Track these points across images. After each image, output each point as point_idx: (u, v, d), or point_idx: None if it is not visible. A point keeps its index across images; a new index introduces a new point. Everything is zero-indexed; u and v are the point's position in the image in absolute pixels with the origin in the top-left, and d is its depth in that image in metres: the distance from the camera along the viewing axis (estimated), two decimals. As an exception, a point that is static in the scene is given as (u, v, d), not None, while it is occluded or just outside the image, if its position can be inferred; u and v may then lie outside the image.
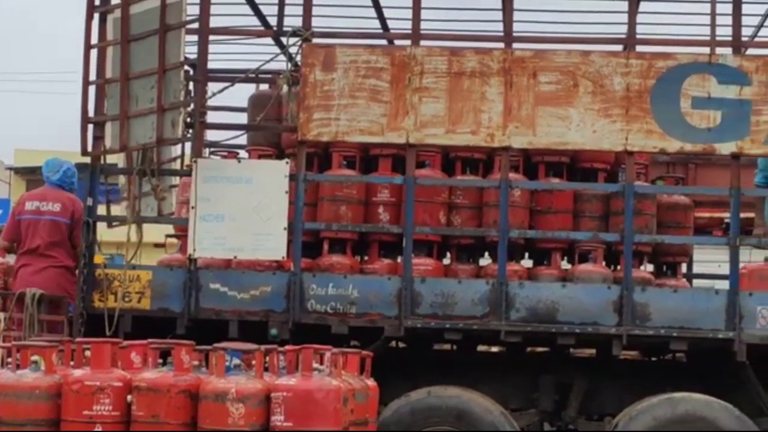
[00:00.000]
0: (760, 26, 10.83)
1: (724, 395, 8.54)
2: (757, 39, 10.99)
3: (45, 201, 9.57)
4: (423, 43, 9.08)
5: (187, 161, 10.21)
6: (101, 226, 9.27)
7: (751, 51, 9.83)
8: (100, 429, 6.63)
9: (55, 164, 9.78)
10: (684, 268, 10.48)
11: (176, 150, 10.66)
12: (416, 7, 9.05)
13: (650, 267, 9.88)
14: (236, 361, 6.82)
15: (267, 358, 6.95)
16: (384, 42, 10.24)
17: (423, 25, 9.19)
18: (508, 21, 9.15)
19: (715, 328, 8.59)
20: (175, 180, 10.43)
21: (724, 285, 8.90)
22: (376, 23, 11.27)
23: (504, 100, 8.77)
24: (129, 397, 6.69)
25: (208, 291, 8.78)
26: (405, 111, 8.81)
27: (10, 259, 9.99)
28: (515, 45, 9.07)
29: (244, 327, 8.68)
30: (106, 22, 9.14)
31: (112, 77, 9.04)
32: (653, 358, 9.98)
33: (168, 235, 11.13)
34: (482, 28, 11.10)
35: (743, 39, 9.42)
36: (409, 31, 9.17)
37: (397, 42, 9.95)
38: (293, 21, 9.74)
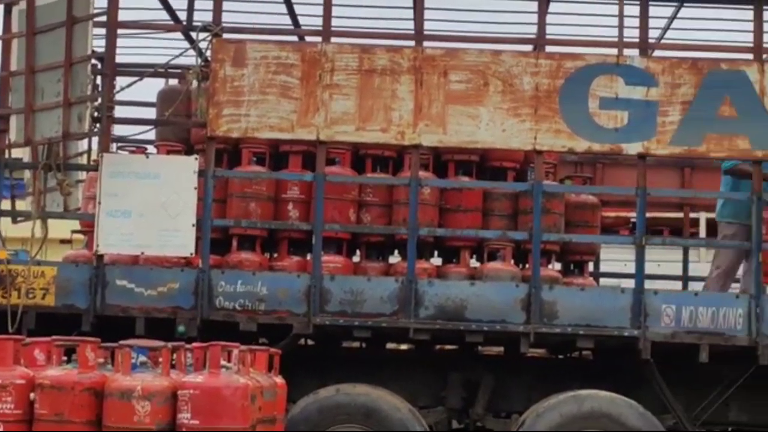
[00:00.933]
0: (667, 28, 11.02)
1: (629, 392, 8.67)
2: (663, 41, 11.17)
3: None
4: (334, 40, 9.08)
5: (94, 156, 10.08)
6: (5, 222, 9.14)
7: (658, 53, 10.00)
8: (1, 428, 6.53)
9: None
10: (591, 266, 10.63)
11: (83, 145, 10.47)
12: (327, 4, 9.05)
13: (558, 266, 9.97)
14: (142, 358, 6.79)
15: (174, 356, 6.90)
16: (295, 38, 10.24)
17: (334, 22, 9.20)
18: (419, 19, 9.19)
19: (621, 326, 8.72)
20: (82, 175, 10.28)
21: (630, 284, 9.01)
22: (288, 19, 11.24)
23: (414, 98, 8.81)
24: (32, 395, 6.62)
25: (115, 287, 8.69)
26: (315, 108, 8.80)
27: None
28: (426, 43, 9.11)
29: (151, 324, 8.61)
30: (11, 14, 9.01)
31: (17, 70, 8.93)
32: (560, 356, 10.10)
33: (74, 231, 10.98)
34: (394, 26, 11.13)
35: (650, 41, 9.54)
36: (320, 28, 9.17)
37: (308, 39, 9.96)
38: (203, 16, 9.65)
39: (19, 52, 8.93)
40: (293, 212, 9.37)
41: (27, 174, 10.12)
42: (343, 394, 8.53)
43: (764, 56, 9.18)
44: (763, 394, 9.18)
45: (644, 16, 9.17)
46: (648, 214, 9.28)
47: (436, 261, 9.78)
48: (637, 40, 9.21)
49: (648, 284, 8.95)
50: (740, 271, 10.07)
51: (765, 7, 9.16)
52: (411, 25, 9.49)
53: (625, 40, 9.22)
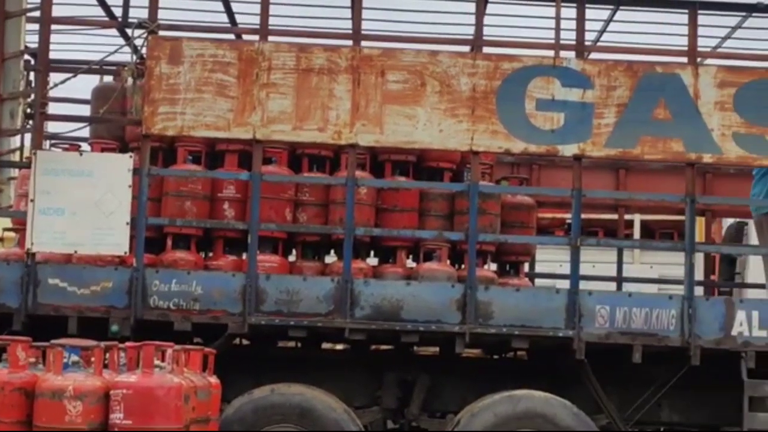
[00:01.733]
0: (603, 31, 11.09)
1: (563, 392, 8.75)
2: (599, 44, 11.26)
3: None
4: (271, 38, 9.08)
5: (26, 153, 9.97)
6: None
7: (594, 55, 10.09)
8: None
9: None
10: (527, 267, 10.70)
11: (15, 141, 10.38)
12: (264, 3, 9.05)
13: (494, 266, 10.02)
14: (75, 358, 6.75)
15: (107, 355, 6.89)
16: (232, 36, 10.20)
17: (272, 20, 9.22)
18: (357, 19, 9.19)
19: (556, 326, 8.78)
20: (14, 172, 10.18)
21: (565, 284, 9.10)
22: (225, 17, 11.19)
23: (352, 97, 8.82)
24: (-39, 395, 6.55)
25: (47, 286, 8.61)
26: (252, 106, 8.78)
27: None
28: (364, 43, 9.12)
29: (84, 323, 8.54)
30: (-58, 8, 8.89)
31: (-52, 65, 8.80)
32: (495, 356, 10.15)
33: (6, 229, 10.86)
34: (331, 25, 11.13)
35: (586, 43, 9.63)
36: (258, 27, 9.15)
37: (245, 37, 9.92)
38: (139, 12, 9.59)
39: (-50, 46, 8.82)
40: (229, 211, 9.33)
41: (-42, 171, 10.02)
42: (278, 394, 8.52)
43: (698, 60, 9.31)
44: (694, 394, 9.32)
45: (581, 19, 9.27)
46: (583, 216, 9.38)
47: (373, 261, 9.81)
48: (574, 42, 9.29)
49: (583, 285, 9.04)
50: None
51: (699, 12, 9.29)
52: (349, 24, 9.50)
53: (561, 42, 9.28)
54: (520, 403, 8.60)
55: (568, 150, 8.92)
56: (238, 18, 11.20)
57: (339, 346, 10.11)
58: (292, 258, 9.66)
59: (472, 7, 9.57)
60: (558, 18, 9.29)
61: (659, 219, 14.07)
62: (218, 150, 9.53)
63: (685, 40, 9.38)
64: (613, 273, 11.69)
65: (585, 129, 8.88)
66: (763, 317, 8.85)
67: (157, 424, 6.52)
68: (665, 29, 10.91)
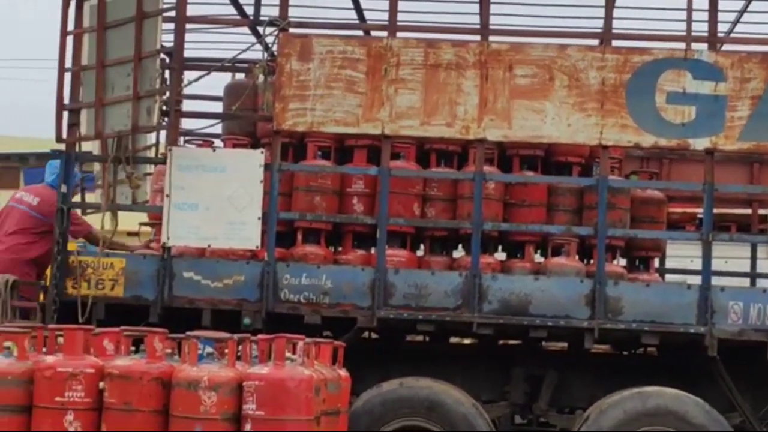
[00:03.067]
0: (736, 22, 10.91)
1: (694, 390, 8.61)
2: (733, 35, 11.06)
3: (30, 193, 9.64)
4: (400, 34, 9.11)
5: (162, 149, 10.21)
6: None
7: (727, 47, 9.91)
8: (71, 416, 6.64)
9: (52, 167, 9.72)
10: (657, 262, 10.55)
11: (151, 138, 10.63)
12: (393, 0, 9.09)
13: (623, 261, 9.91)
14: (209, 349, 6.83)
15: (240, 347, 6.96)
16: (361, 33, 10.27)
17: (400, 16, 9.20)
18: (485, 14, 9.18)
19: (687, 322, 8.66)
20: (150, 168, 10.43)
21: (697, 280, 8.94)
22: (353, 14, 11.28)
23: (480, 92, 8.81)
24: (101, 384, 6.70)
25: (182, 279, 8.79)
26: (381, 102, 8.84)
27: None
28: (492, 38, 9.10)
29: (217, 316, 8.70)
30: (83, 9, 9.11)
31: (87, 64, 9.00)
32: (625, 352, 10.05)
33: (142, 223, 11.13)
34: (459, 20, 11.14)
35: (719, 35, 9.46)
36: (386, 23, 9.18)
37: (373, 33, 9.98)
38: (270, 11, 9.74)
39: (90, 46, 9.01)
40: (358, 206, 9.42)
41: (96, 167, 10.30)
42: (406, 388, 8.55)
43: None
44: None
45: (713, 10, 9.09)
46: (715, 210, 9.22)
47: (500, 256, 9.78)
48: (706, 34, 9.14)
49: (715, 281, 8.88)
50: None
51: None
52: (477, 19, 9.50)
53: (693, 34, 9.15)
54: (650, 400, 8.49)
55: (700, 144, 8.79)
56: (367, 14, 11.29)
57: (467, 341, 10.12)
58: (420, 252, 9.69)
59: (600, 0, 9.50)
60: (690, 9, 9.17)
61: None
62: (347, 145, 9.62)
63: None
64: (747, 269, 11.48)
65: (717, 122, 8.73)
66: None
67: (289, 415, 6.57)
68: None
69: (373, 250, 9.26)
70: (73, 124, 9.06)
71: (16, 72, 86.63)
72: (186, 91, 9.95)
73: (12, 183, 23.53)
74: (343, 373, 7.75)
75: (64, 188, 8.99)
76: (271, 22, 9.24)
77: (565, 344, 9.82)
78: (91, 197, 10.18)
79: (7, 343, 6.86)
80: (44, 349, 7.03)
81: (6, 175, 25.13)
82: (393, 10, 9.09)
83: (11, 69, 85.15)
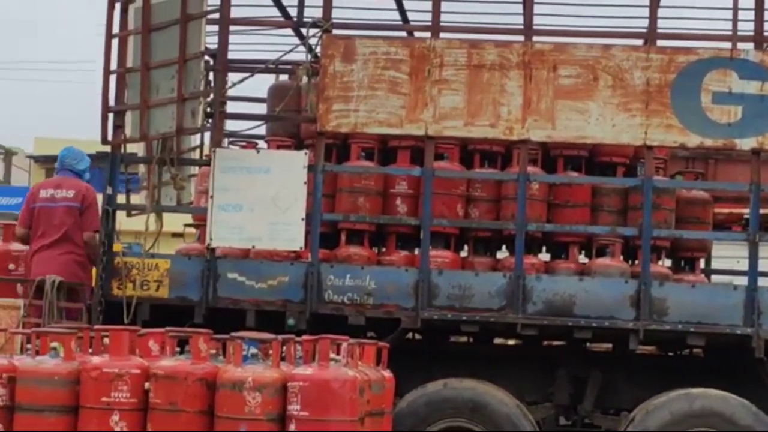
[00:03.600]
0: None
1: (741, 391, 8.55)
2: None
3: (60, 188, 9.51)
4: (442, 35, 9.10)
5: (206, 151, 10.26)
6: (120, 215, 9.31)
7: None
8: (117, 416, 6.68)
9: (78, 153, 9.78)
10: (702, 263, 10.49)
11: (195, 140, 10.69)
12: (436, 0, 9.08)
13: (668, 262, 9.86)
14: (253, 350, 6.87)
15: (284, 348, 6.97)
16: (403, 34, 10.26)
17: (443, 17, 9.20)
18: (528, 14, 9.18)
19: (733, 323, 8.60)
20: (194, 170, 10.47)
21: (743, 281, 8.88)
22: (396, 15, 11.27)
23: (523, 93, 8.79)
24: (146, 385, 6.74)
25: (226, 280, 8.83)
26: (424, 103, 8.83)
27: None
28: (535, 38, 9.09)
29: (261, 317, 8.73)
30: (128, 12, 9.17)
31: (133, 66, 9.07)
32: (670, 354, 9.98)
33: (186, 225, 11.20)
34: (502, 20, 11.10)
35: (765, 34, 9.37)
36: (429, 23, 9.20)
37: (416, 34, 9.97)
38: (313, 12, 9.76)
39: (135, 49, 9.08)
40: (401, 207, 9.42)
41: (141, 168, 10.36)
42: (450, 389, 8.56)
43: None
44: None
45: (760, 9, 9.01)
46: (762, 211, 9.13)
47: (544, 256, 9.75)
48: (752, 33, 9.06)
49: (762, 282, 8.81)
50: None
51: None
52: (520, 19, 9.47)
53: (739, 33, 9.08)
54: (697, 402, 8.45)
55: (746, 144, 8.72)
56: (410, 15, 11.28)
57: (511, 342, 10.09)
58: (463, 253, 9.68)
59: (645, -1, 9.46)
60: (735, 8, 9.10)
61: None
62: (390, 146, 9.63)
63: None
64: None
65: (764, 122, 8.66)
66: None
67: (333, 416, 6.58)
68: None
69: (416, 251, 9.26)
70: (119, 126, 9.13)
71: (54, 75, 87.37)
72: (230, 92, 10.00)
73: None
74: (387, 374, 7.75)
75: (109, 190, 9.05)
76: (314, 24, 9.26)
77: (610, 345, 9.75)
78: (136, 199, 10.23)
79: (54, 344, 6.93)
80: (90, 350, 7.10)
81: (50, 175, 25.47)
82: (436, 10, 9.09)
83: (49, 72, 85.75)
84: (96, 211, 9.35)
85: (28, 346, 7.11)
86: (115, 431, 6.68)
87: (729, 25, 9.26)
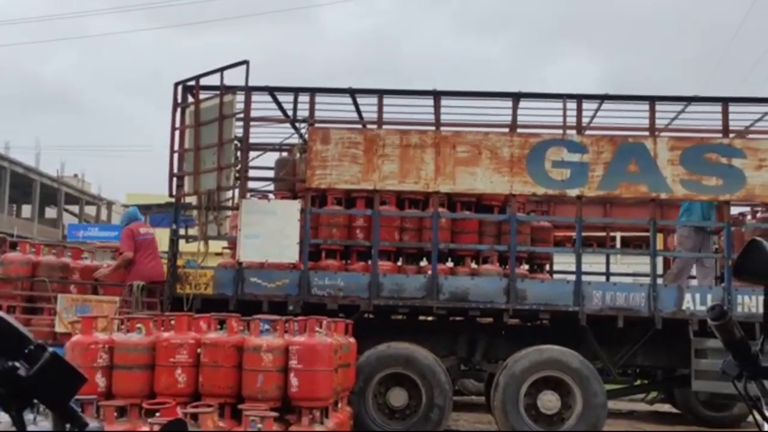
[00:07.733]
0: (593, 116, 10.92)
1: (572, 347, 8.60)
2: (592, 124, 11.08)
3: (146, 228, 9.53)
4: (385, 126, 9.16)
5: (236, 201, 10.19)
6: (181, 241, 9.23)
7: (589, 132, 9.94)
8: (180, 370, 6.61)
9: (136, 212, 9.71)
10: (548, 267, 10.56)
11: (229, 194, 10.61)
12: (380, 105, 9.14)
13: (526, 266, 9.91)
14: (266, 327, 6.83)
15: (286, 325, 6.95)
16: (360, 126, 10.29)
17: (384, 116, 9.26)
18: (437, 113, 9.24)
19: (567, 304, 8.66)
20: (229, 213, 10.39)
21: (573, 278, 8.93)
22: (355, 114, 11.28)
23: (435, 162, 8.83)
24: (199, 350, 6.69)
25: (249, 282, 8.75)
26: (373, 169, 8.85)
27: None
28: (442, 128, 9.15)
29: (272, 305, 8.66)
30: (185, 113, 9.14)
31: (188, 148, 9.04)
32: (529, 324, 10.03)
33: (224, 248, 11.09)
34: (422, 117, 11.14)
35: (583, 124, 9.51)
36: (376, 119, 9.24)
37: (368, 126, 10.00)
38: (303, 112, 9.76)
39: (190, 136, 9.06)
40: (360, 234, 9.40)
41: (194, 213, 10.24)
42: (393, 348, 8.55)
43: (656, 133, 9.13)
44: (657, 346, 9.09)
45: (579, 109, 9.17)
46: (583, 234, 9.24)
47: (450, 264, 9.77)
48: (575, 124, 9.19)
49: (584, 278, 8.89)
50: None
51: (656, 102, 9.15)
52: (432, 116, 9.52)
53: (567, 124, 9.20)
54: (545, 353, 8.49)
55: (573, 192, 8.81)
56: (364, 113, 11.28)
57: (429, 318, 10.10)
58: (399, 263, 9.68)
59: (509, 103, 9.54)
60: (564, 109, 9.22)
61: (633, 235, 13.75)
62: (352, 197, 9.61)
63: (647, 121, 9.22)
64: (604, 270, 11.49)
65: (583, 179, 8.76)
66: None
67: (318, 367, 6.58)
68: (636, 114, 10.68)
69: (369, 262, 9.23)
70: (180, 186, 9.07)
71: (144, 154, 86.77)
72: (251, 164, 9.95)
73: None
74: (352, 340, 7.73)
75: (174, 226, 8.96)
76: (303, 120, 9.29)
77: (491, 319, 9.78)
78: (192, 231, 10.13)
79: (139, 325, 6.85)
80: (162, 329, 7.01)
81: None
82: (380, 111, 9.15)
83: (141, 152, 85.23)
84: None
85: (123, 327, 7.01)
86: (179, 380, 6.60)
87: (561, 119, 9.37)
